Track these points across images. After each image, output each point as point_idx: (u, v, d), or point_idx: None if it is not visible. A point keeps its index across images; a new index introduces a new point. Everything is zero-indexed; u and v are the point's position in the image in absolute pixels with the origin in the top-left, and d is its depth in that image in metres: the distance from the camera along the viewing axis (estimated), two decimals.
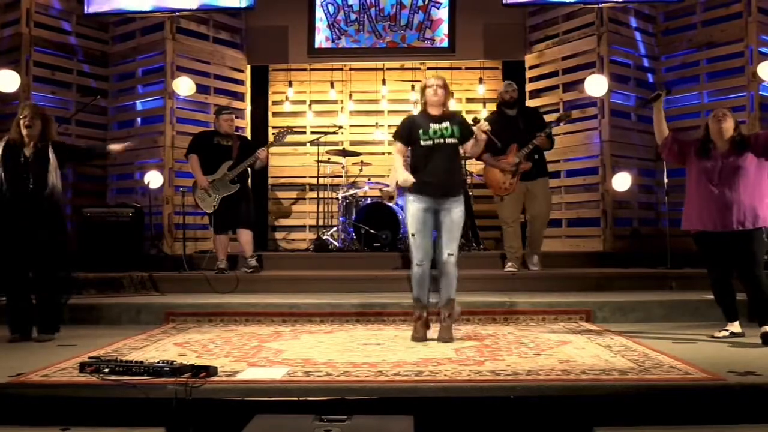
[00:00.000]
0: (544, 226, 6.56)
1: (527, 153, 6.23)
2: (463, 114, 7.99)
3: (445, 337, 4.36)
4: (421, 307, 4.48)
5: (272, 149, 8.83)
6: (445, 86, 4.53)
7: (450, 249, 4.39)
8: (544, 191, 6.45)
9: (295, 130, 8.93)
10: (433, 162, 4.41)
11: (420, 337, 4.40)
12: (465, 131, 4.50)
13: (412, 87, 8.85)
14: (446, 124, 4.45)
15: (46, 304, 4.59)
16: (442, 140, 4.42)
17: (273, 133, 7.13)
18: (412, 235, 4.41)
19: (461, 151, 4.62)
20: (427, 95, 4.51)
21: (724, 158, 4.37)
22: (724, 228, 4.32)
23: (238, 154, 6.57)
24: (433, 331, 4.49)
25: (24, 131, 4.53)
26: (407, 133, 4.53)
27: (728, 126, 4.40)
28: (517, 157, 6.22)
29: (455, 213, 4.41)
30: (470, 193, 8.06)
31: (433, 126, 4.44)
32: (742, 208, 4.28)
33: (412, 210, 4.42)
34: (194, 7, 7.60)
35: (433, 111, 4.51)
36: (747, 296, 4.39)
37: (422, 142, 4.44)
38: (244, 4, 7.65)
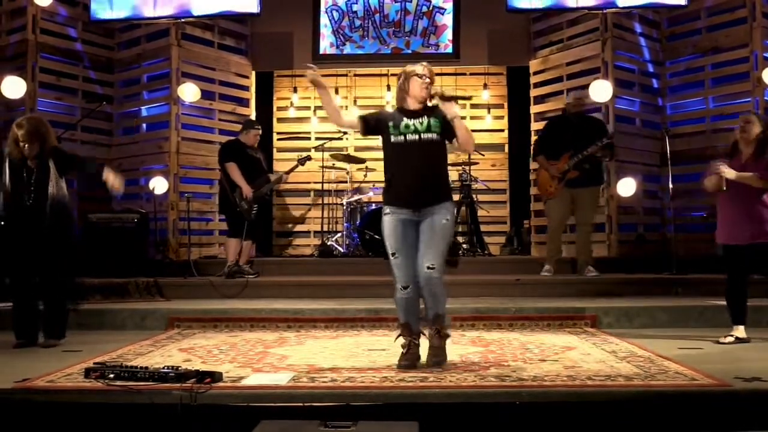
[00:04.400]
0: (587, 234, 6.68)
1: (577, 161, 6.37)
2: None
3: (437, 360, 3.71)
4: (410, 333, 3.74)
5: (278, 155, 8.95)
6: (433, 81, 3.75)
7: (429, 260, 3.59)
8: (590, 200, 6.59)
9: (299, 136, 9.03)
10: (408, 165, 3.67)
11: (407, 365, 3.64)
12: (447, 125, 3.69)
13: None
14: (423, 118, 3.69)
15: (52, 309, 4.59)
16: (416, 136, 3.65)
17: (298, 158, 7.43)
18: (392, 254, 3.68)
19: (448, 149, 3.82)
20: (412, 87, 3.71)
21: (742, 168, 4.36)
22: (742, 241, 4.35)
23: (266, 168, 6.88)
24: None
25: (25, 151, 4.48)
26: (374, 121, 3.82)
27: (754, 130, 4.41)
28: (567, 165, 6.36)
29: (437, 219, 3.66)
30: (475, 198, 8.08)
31: (406, 120, 3.70)
32: (755, 219, 4.31)
33: (389, 223, 3.71)
34: (200, 13, 7.64)
35: (412, 105, 3.75)
36: None
37: (392, 139, 3.69)
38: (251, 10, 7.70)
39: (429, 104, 3.77)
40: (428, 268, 3.60)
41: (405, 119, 3.71)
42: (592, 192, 6.57)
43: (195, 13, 7.61)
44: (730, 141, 4.61)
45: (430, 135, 3.67)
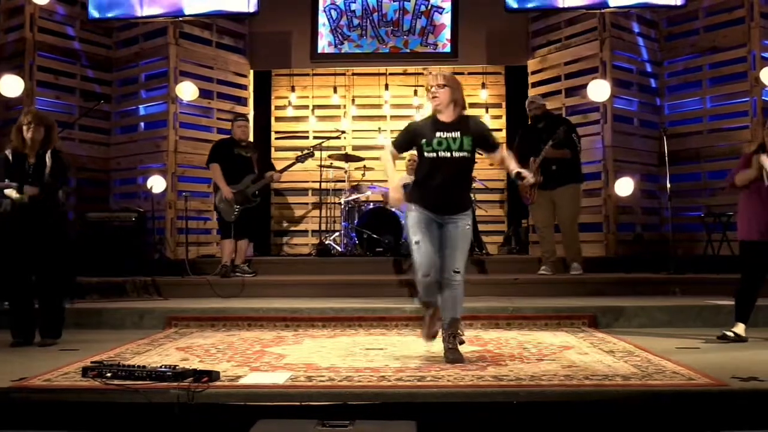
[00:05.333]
0: (569, 231, 6.68)
1: (538, 166, 6.40)
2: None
3: (455, 357, 3.80)
4: (429, 307, 3.93)
5: (276, 154, 8.93)
6: (447, 84, 3.81)
7: (456, 265, 3.81)
8: (569, 198, 6.59)
9: (297, 135, 9.02)
10: (437, 178, 3.79)
11: (433, 333, 3.94)
12: (480, 142, 3.86)
13: (415, 92, 8.90)
14: (456, 134, 3.77)
15: (48, 308, 4.58)
16: (448, 154, 3.75)
17: (297, 155, 7.40)
18: (416, 242, 3.80)
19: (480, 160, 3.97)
20: (430, 101, 3.89)
21: None
22: (766, 237, 4.32)
23: (259, 168, 6.79)
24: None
25: (27, 135, 4.49)
26: (406, 142, 3.93)
27: None
28: (531, 171, 6.32)
29: (461, 225, 3.85)
30: (473, 197, 8.07)
31: (439, 135, 3.77)
32: None
33: (414, 217, 3.85)
34: (193, 12, 7.61)
35: (443, 116, 3.83)
36: None
37: (426, 154, 3.80)
38: (250, 9, 7.68)
39: (462, 114, 3.88)
40: (454, 272, 3.82)
41: (438, 133, 3.80)
42: (569, 190, 6.56)
43: (187, 12, 7.57)
44: (762, 140, 4.47)
45: (461, 153, 3.80)
